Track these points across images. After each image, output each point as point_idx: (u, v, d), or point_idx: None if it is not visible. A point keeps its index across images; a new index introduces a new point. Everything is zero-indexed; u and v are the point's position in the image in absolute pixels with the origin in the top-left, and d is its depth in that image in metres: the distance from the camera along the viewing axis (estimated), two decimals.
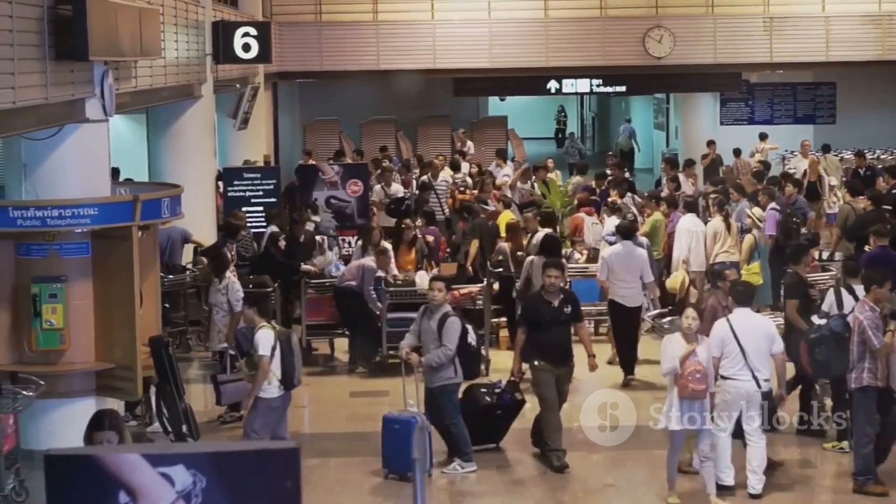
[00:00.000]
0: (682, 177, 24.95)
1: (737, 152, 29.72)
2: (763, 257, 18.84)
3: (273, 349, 12.37)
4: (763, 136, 31.00)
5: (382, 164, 27.47)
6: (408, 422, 12.77)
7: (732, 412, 12.26)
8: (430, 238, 19.38)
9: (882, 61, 29.98)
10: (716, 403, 12.21)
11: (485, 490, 13.27)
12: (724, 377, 12.27)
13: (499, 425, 14.07)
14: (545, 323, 13.51)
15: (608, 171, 25.83)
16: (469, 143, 32.57)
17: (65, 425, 12.99)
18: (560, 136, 49.12)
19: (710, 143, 30.21)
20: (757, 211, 19.40)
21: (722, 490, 12.25)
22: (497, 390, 13.98)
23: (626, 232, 17.33)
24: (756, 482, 12.31)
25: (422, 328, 13.24)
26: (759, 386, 12.19)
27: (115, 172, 22.14)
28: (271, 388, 12.42)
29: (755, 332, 12.36)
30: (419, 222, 20.05)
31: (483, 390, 13.93)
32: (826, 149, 29.78)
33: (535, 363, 13.49)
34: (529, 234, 18.54)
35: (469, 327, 13.49)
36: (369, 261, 17.23)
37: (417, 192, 24.86)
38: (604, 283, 17.12)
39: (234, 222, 19.21)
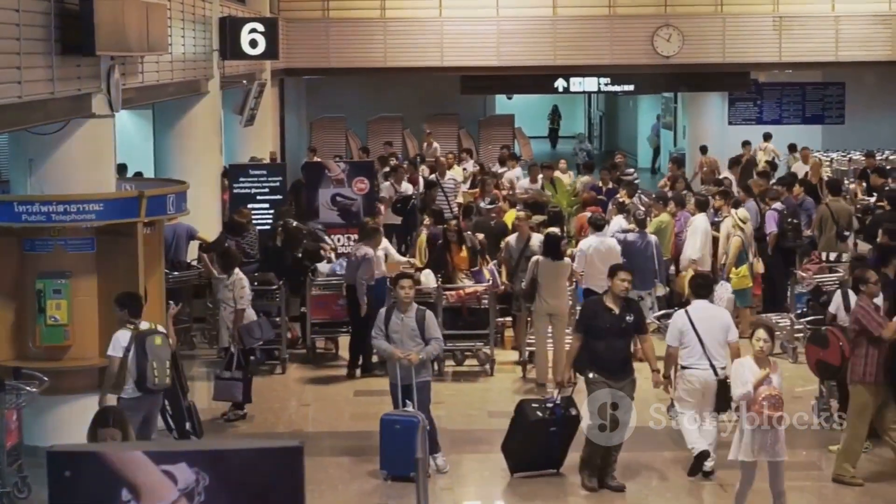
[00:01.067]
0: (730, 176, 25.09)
1: (703, 149, 30.68)
2: (742, 260, 18.63)
3: (127, 350, 12.13)
4: (767, 137, 30.98)
5: (390, 161, 27.43)
6: (409, 421, 12.61)
7: (692, 399, 12.84)
8: (481, 235, 19.09)
9: (892, 61, 29.92)
10: (677, 391, 12.97)
11: (486, 492, 13.24)
12: (683, 367, 12.86)
13: (553, 444, 12.83)
14: (603, 331, 12.54)
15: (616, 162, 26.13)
16: (435, 144, 31.90)
17: (68, 421, 12.97)
18: (553, 136, 48.90)
19: (746, 144, 29.92)
20: (741, 212, 19.13)
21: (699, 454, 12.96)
22: (549, 405, 12.73)
23: (598, 225, 17.75)
24: (702, 443, 12.86)
25: (391, 328, 13.08)
26: (716, 374, 12.72)
27: (122, 168, 22.21)
28: (128, 389, 12.25)
29: (712, 322, 12.91)
30: (427, 221, 19.98)
31: (534, 405, 12.80)
32: (767, 137, 31.04)
33: (590, 375, 12.54)
34: (521, 237, 18.46)
35: None
36: (368, 250, 17.04)
37: (425, 190, 24.84)
38: (578, 273, 17.19)
39: (237, 219, 19.14)
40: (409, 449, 12.45)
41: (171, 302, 16.43)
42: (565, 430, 12.79)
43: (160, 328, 12.49)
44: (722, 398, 12.60)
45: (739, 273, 18.27)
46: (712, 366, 12.73)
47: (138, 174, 22.36)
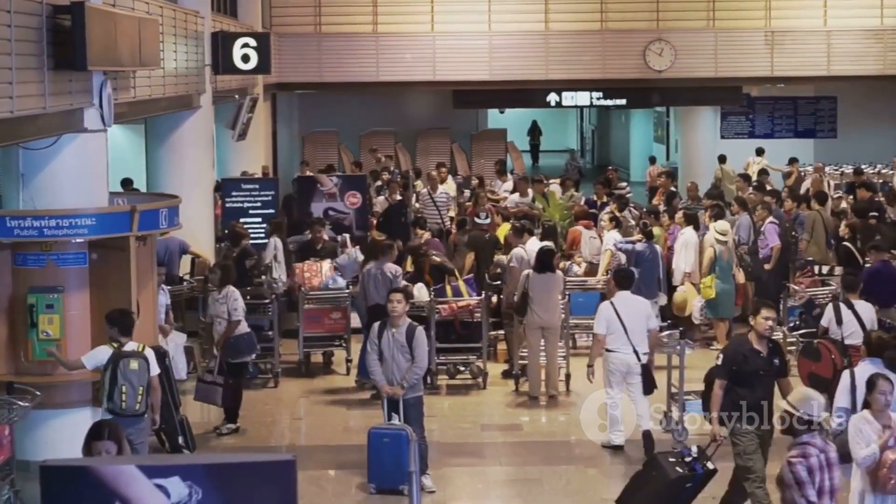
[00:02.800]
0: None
1: (652, 160, 32.31)
2: (723, 271, 18.72)
3: (104, 368, 12.03)
4: (760, 152, 31.03)
5: (383, 175, 27.42)
6: (398, 435, 12.64)
7: (617, 380, 14.20)
8: (471, 255, 19.09)
9: (883, 76, 29.96)
10: (604, 373, 14.24)
11: None
12: (609, 350, 14.26)
13: (682, 498, 11.74)
14: (751, 376, 11.60)
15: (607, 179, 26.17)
16: (382, 157, 31.07)
17: (61, 436, 12.94)
18: (535, 151, 48.08)
19: (793, 161, 29.62)
20: (721, 224, 19.22)
21: (613, 448, 14.23)
22: (688, 459, 11.48)
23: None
24: (645, 421, 14.13)
25: (383, 343, 12.99)
26: (638, 358, 14.17)
27: (128, 182, 22.22)
28: (102, 409, 12.12)
29: (634, 312, 14.34)
30: (426, 235, 19.95)
31: (672, 459, 11.55)
32: (722, 159, 31.33)
33: (736, 425, 11.54)
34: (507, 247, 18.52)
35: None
36: (396, 267, 17.01)
37: (417, 204, 24.84)
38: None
39: (238, 230, 19.12)
40: (397, 462, 12.52)
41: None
42: (698, 486, 11.57)
43: (147, 351, 12.32)
44: (648, 382, 14.21)
45: (705, 283, 18.50)
46: (635, 351, 14.19)
47: (128, 181, 22.34)
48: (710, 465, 11.36)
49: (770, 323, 11.62)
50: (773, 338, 11.94)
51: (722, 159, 31.63)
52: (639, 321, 14.33)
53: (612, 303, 14.53)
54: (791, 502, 8.86)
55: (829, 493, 9.00)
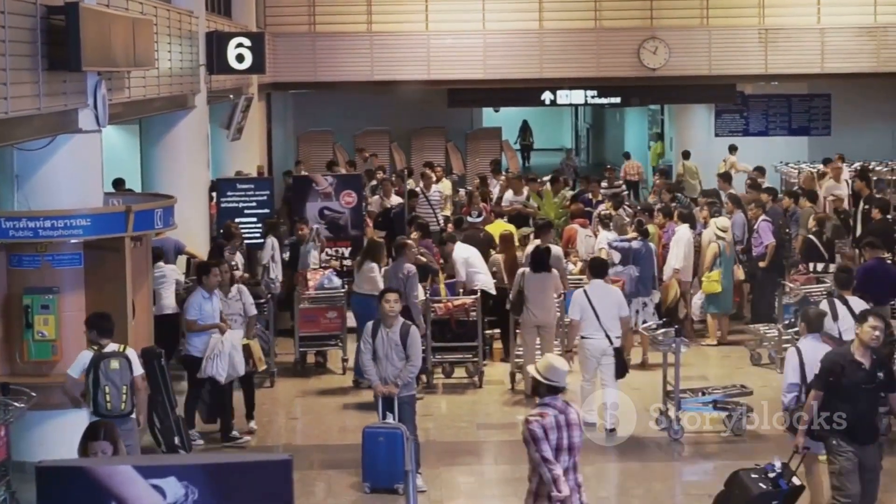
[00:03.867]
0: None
1: (626, 155, 33.73)
2: (726, 266, 18.85)
3: (87, 371, 12.03)
4: (732, 149, 31.07)
5: (377, 175, 27.42)
6: (393, 434, 12.68)
7: (592, 365, 14.92)
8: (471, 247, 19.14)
9: (877, 73, 29.95)
10: (578, 358, 14.98)
11: (476, 502, 13.26)
12: (583, 337, 14.96)
13: None
14: (851, 390, 10.95)
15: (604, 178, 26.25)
16: (369, 157, 31.14)
17: (56, 437, 12.93)
18: (526, 152, 47.20)
19: (839, 158, 29.19)
20: (721, 220, 19.39)
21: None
22: (772, 475, 10.97)
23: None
24: (611, 418, 14.68)
25: (377, 342, 13.04)
26: (611, 343, 14.84)
27: (120, 182, 22.20)
28: (89, 411, 12.16)
29: (607, 299, 15.02)
30: (414, 234, 19.92)
31: (754, 476, 11.02)
32: (685, 155, 32.14)
33: (833, 442, 11.02)
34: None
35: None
36: (411, 266, 17.03)
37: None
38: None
39: (233, 230, 19.13)
40: (391, 461, 12.57)
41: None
42: (785, 503, 10.99)
43: (128, 351, 12.29)
44: (620, 366, 14.87)
45: (710, 277, 18.59)
46: (607, 336, 14.86)
47: (120, 181, 22.34)
48: (795, 481, 10.90)
49: (877, 333, 10.95)
50: (879, 349, 11.23)
51: (685, 155, 32.22)
52: (611, 308, 14.99)
53: (584, 290, 15.21)
54: (532, 458, 9.50)
55: (567, 450, 9.51)
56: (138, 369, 12.28)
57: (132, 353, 12.32)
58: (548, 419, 9.44)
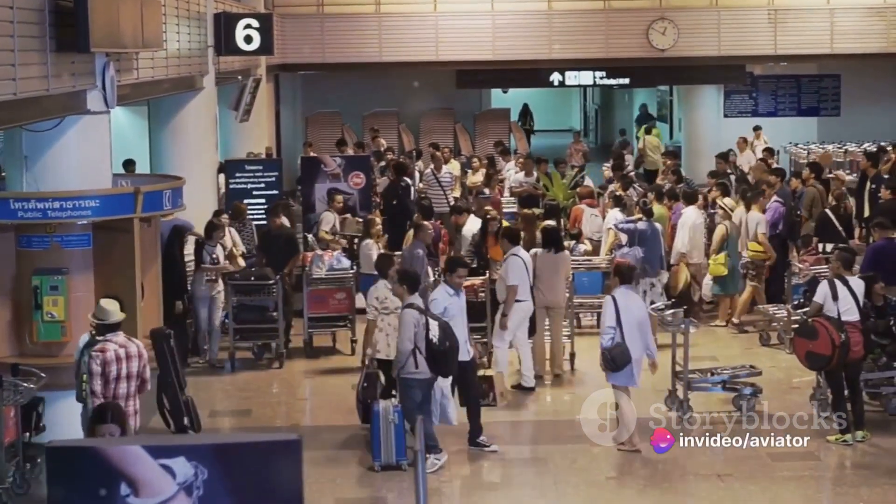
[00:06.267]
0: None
1: (576, 135, 32.47)
2: (732, 248, 18.82)
3: (80, 355, 11.84)
4: (757, 129, 30.99)
5: (386, 156, 27.39)
6: (402, 413, 12.97)
7: (523, 324, 15.76)
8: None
9: (887, 53, 29.89)
10: (507, 322, 15.63)
11: (485, 482, 13.26)
12: (517, 300, 15.55)
13: None
14: None
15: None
16: (381, 141, 31.10)
17: (66, 417, 12.95)
18: (526, 136, 46.13)
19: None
20: (728, 201, 19.39)
21: (526, 390, 15.91)
22: None
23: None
24: (528, 380, 15.94)
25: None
26: (534, 304, 15.76)
27: (130, 163, 22.23)
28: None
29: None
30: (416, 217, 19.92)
31: None
32: (647, 130, 32.35)
33: None
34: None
35: (435, 323, 12.96)
36: (417, 248, 17.09)
37: (420, 184, 24.83)
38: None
39: (240, 206, 19.21)
40: (401, 439, 12.67)
41: (178, 302, 16.49)
42: None
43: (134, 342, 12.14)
44: (532, 326, 15.85)
45: (717, 260, 18.55)
46: (534, 300, 15.90)
47: (130, 162, 22.34)
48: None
49: None
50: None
51: (648, 130, 32.21)
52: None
53: (518, 255, 15.80)
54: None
55: (126, 378, 11.22)
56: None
57: (139, 344, 11.90)
58: (109, 354, 11.14)
